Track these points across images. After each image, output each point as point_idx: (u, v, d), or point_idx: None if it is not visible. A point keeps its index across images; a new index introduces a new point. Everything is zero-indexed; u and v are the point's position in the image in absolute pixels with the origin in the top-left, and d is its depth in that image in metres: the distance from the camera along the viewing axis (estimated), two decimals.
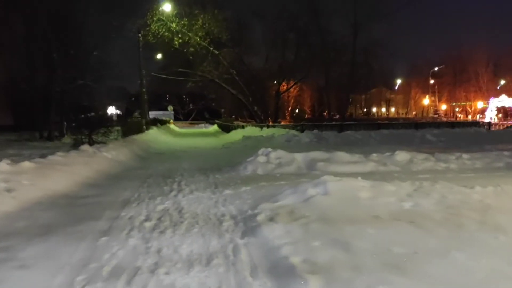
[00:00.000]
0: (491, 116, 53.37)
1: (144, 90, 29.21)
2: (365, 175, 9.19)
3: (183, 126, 57.19)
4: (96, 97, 27.28)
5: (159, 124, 35.30)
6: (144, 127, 24.71)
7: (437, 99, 74.40)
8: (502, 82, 66.85)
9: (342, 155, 10.50)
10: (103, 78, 23.88)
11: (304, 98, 74.56)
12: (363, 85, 54.42)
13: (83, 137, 15.43)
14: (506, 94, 55.97)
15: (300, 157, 10.44)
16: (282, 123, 37.67)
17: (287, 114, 63.48)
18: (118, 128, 21.04)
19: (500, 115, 54.27)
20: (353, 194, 5.99)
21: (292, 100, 66.99)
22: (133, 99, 62.84)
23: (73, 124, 18.93)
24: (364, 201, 5.78)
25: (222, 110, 69.04)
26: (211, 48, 31.06)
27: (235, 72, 33.33)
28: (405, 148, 15.23)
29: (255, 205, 5.97)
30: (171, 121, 56.82)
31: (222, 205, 6.37)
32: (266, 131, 23.82)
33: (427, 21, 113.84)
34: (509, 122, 38.39)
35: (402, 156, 10.69)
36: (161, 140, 23.60)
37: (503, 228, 4.50)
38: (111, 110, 67.04)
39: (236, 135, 24.71)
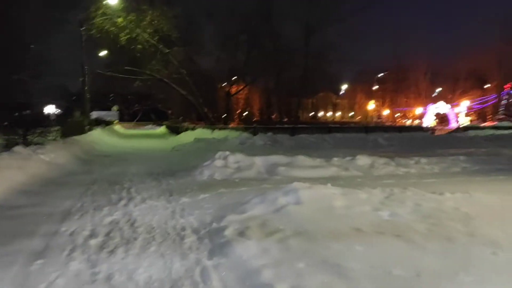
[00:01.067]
0: (429, 121, 56.01)
1: (86, 88, 27.43)
2: (328, 180, 8.78)
3: (129, 127, 54.99)
4: (34, 95, 25.23)
5: (103, 125, 33.40)
6: (87, 127, 23.09)
7: (380, 105, 77.08)
8: (439, 89, 70.77)
9: (303, 159, 10.05)
10: (41, 74, 22.06)
11: (253, 101, 74.34)
12: (312, 89, 55.01)
13: (16, 137, 13.91)
14: (443, 101, 59.07)
15: (260, 161, 9.87)
16: (231, 125, 37.03)
17: (235, 117, 62.98)
18: (58, 128, 19.42)
19: (437, 120, 56.97)
20: (327, 203, 5.48)
21: (242, 103, 66.60)
22: (74, 98, 59.50)
23: (6, 123, 17.15)
24: (339, 210, 5.29)
25: (170, 111, 67.15)
26: (160, 46, 29.79)
27: (185, 72, 32.19)
28: (359, 151, 15.15)
29: (219, 216, 5.29)
30: (116, 121, 54.45)
31: (180, 216, 5.63)
32: (217, 134, 23.09)
33: (373, 29, 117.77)
34: (449, 127, 40.20)
35: (363, 160, 10.43)
36: (106, 142, 22.17)
37: (496, 241, 4.12)
38: (51, 109, 63.19)
39: (186, 137, 23.74)
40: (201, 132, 24.73)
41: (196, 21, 32.76)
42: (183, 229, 4.93)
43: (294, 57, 36.05)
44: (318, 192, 5.88)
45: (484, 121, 58.82)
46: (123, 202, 6.58)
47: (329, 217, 4.94)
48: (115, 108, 59.75)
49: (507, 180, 8.82)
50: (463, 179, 9.10)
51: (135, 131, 45.91)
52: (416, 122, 68.81)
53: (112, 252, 4.11)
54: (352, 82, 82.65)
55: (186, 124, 37.67)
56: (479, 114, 65.32)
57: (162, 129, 45.94)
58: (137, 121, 70.17)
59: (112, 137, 26.79)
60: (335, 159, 10.47)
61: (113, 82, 36.72)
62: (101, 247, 4.28)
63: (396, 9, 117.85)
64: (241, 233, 4.37)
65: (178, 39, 30.20)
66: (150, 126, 59.44)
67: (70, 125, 20.46)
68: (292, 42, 35.61)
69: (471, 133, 25.12)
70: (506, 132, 24.36)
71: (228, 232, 4.45)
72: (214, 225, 4.92)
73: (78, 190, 7.73)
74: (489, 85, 64.97)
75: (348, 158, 10.67)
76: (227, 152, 10.04)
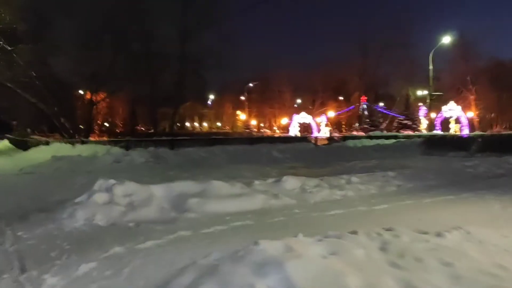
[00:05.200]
0: (294, 131, 58.05)
1: None
2: (261, 216, 6.47)
3: None
4: None
5: None
6: None
7: (247, 115, 78.13)
8: (299, 101, 74.88)
9: (219, 186, 7.47)
10: None
11: (116, 110, 68.42)
12: (181, 98, 52.44)
13: None
14: (305, 112, 62.04)
15: (160, 192, 6.99)
16: (92, 138, 32.20)
17: (96, 128, 56.81)
18: None
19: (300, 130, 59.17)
20: (337, 285, 3.09)
21: (103, 112, 60.49)
22: None
23: None
24: None
25: (14, 123, 57.47)
26: (1, 42, 24.06)
27: (34, 75, 26.65)
28: (259, 167, 13.38)
29: None
30: None
31: None
32: (81, 149, 18.82)
33: (241, 40, 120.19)
34: (321, 136, 41.17)
35: (291, 183, 8.29)
36: None
37: None
38: None
39: (39, 154, 18.88)
40: (59, 148, 20.03)
41: (49, 16, 27.46)
42: None
43: (168, 62, 32.86)
44: (307, 259, 3.45)
45: (340, 131, 63.32)
46: None
47: None
48: None
49: (462, 201, 7.64)
50: (412, 202, 7.64)
51: None
52: (277, 131, 71.46)
53: None
54: (219, 92, 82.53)
55: (36, 138, 31.60)
56: (335, 124, 70.39)
57: (4, 143, 38.24)
58: None
59: None
60: (257, 182, 8.16)
61: None
62: None
63: (262, 23, 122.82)
64: None
65: (25, 35, 24.80)
66: None
67: None
68: (166, 46, 32.37)
69: (350, 143, 25.29)
70: (387, 142, 24.92)
71: None
72: None
73: None
74: (342, 98, 70.78)
75: (271, 180, 8.45)
76: (112, 181, 6.90)
